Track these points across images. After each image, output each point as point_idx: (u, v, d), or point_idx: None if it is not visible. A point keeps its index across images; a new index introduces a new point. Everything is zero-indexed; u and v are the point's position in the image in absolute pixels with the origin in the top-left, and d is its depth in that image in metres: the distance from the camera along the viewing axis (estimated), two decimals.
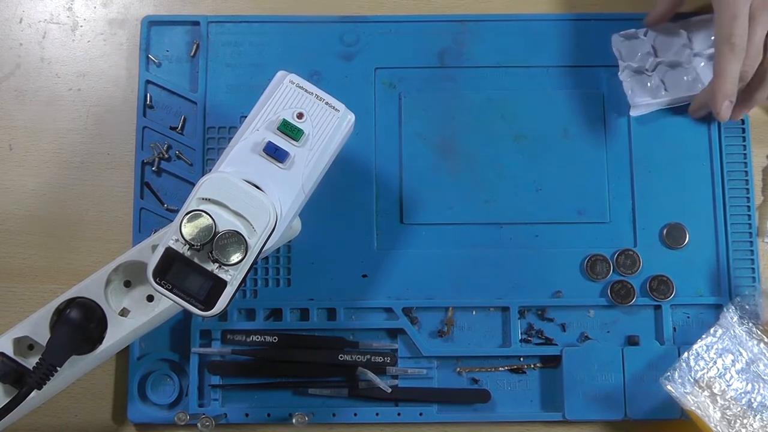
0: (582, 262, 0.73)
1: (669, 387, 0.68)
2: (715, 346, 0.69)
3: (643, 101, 0.73)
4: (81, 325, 0.62)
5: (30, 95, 0.76)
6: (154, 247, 0.57)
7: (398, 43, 0.76)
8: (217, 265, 0.52)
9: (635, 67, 0.74)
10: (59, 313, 0.63)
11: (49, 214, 0.75)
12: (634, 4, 0.77)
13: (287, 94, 0.57)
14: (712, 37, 0.74)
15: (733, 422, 0.67)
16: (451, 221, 0.74)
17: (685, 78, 0.74)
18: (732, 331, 0.70)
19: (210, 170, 0.57)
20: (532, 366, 0.72)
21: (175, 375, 0.72)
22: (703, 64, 0.74)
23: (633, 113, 0.74)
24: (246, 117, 0.58)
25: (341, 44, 0.76)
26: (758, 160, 0.76)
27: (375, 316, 0.73)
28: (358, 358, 0.71)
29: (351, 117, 0.59)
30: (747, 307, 0.71)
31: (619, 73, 0.74)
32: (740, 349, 0.69)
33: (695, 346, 0.69)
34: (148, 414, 0.71)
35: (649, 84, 0.74)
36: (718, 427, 0.67)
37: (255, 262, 0.54)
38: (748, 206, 0.74)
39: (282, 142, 0.56)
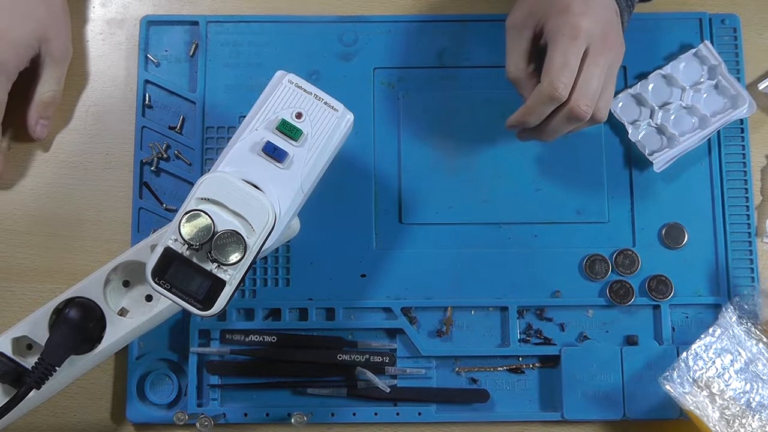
0: (581, 261, 0.73)
1: (668, 387, 0.68)
2: (714, 346, 0.69)
3: (662, 156, 0.73)
4: (80, 324, 0.62)
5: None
6: (153, 247, 0.57)
7: (397, 43, 0.76)
8: (215, 264, 0.52)
9: (640, 124, 0.74)
10: (58, 313, 0.63)
11: (48, 213, 0.75)
12: None
13: (286, 94, 0.57)
14: (698, 68, 0.76)
15: (731, 422, 0.67)
16: (450, 221, 0.74)
17: (692, 120, 0.75)
18: (731, 331, 0.70)
19: (209, 170, 0.57)
20: (531, 366, 0.72)
21: (173, 375, 0.72)
22: (705, 95, 0.75)
23: (657, 169, 0.73)
24: (245, 117, 0.58)
25: (340, 44, 0.76)
26: (757, 160, 0.76)
27: (374, 315, 0.73)
28: (357, 357, 0.71)
29: (350, 116, 0.59)
30: (746, 306, 0.71)
31: (629, 135, 0.74)
32: (739, 349, 0.69)
33: (694, 346, 0.69)
34: (146, 414, 0.71)
35: (662, 138, 0.75)
36: (717, 427, 0.67)
37: (254, 261, 0.54)
38: (747, 206, 0.74)
39: (281, 141, 0.56)
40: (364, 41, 0.76)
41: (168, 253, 0.53)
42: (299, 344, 0.72)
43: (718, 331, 0.70)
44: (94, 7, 0.78)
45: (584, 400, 0.71)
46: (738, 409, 0.68)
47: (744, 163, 0.75)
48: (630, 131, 0.74)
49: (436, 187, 0.74)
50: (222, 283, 0.53)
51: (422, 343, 0.72)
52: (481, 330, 0.73)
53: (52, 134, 0.76)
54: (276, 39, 0.76)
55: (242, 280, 0.54)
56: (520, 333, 0.72)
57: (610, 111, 0.74)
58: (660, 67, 0.75)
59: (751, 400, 0.68)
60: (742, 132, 0.75)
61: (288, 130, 0.56)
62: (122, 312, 0.64)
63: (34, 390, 0.60)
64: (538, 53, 0.66)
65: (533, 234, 0.74)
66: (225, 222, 0.52)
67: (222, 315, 0.72)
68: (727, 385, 0.68)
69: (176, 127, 0.75)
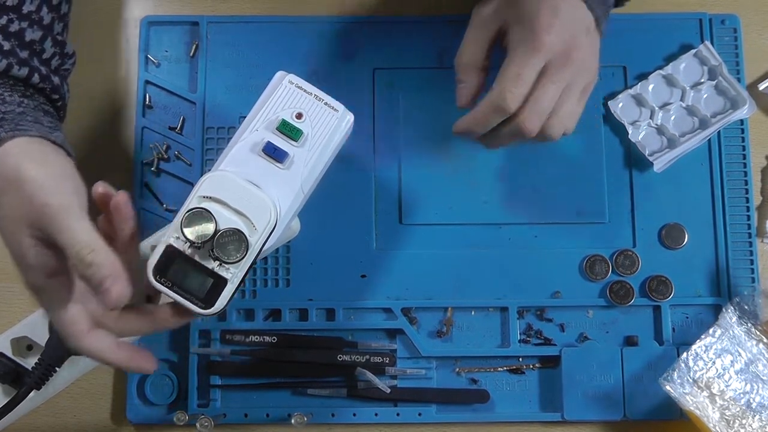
0: (581, 262, 0.73)
1: (668, 387, 0.68)
2: (714, 347, 0.69)
3: (663, 157, 0.73)
4: None
5: None
6: (153, 248, 0.57)
7: (397, 43, 0.76)
8: (217, 263, 0.52)
9: (640, 124, 0.74)
10: None
11: None
12: (633, 6, 0.77)
13: (286, 94, 0.57)
14: (698, 68, 0.76)
15: (732, 422, 0.67)
16: (450, 221, 0.74)
17: (692, 120, 0.75)
18: (731, 332, 0.70)
19: (209, 170, 0.57)
20: (531, 366, 0.72)
21: (174, 375, 0.72)
22: (706, 96, 0.75)
23: (657, 170, 0.73)
24: (245, 117, 0.58)
25: (340, 45, 0.76)
26: (757, 161, 0.76)
27: (374, 316, 0.73)
28: (357, 358, 0.71)
29: (350, 117, 0.59)
30: (746, 307, 0.71)
31: (629, 136, 0.74)
32: (739, 350, 0.69)
33: (694, 347, 0.69)
34: (147, 414, 0.71)
35: (662, 138, 0.75)
36: (717, 428, 0.67)
37: (255, 261, 0.54)
38: (747, 207, 0.74)
39: (281, 142, 0.56)
40: (364, 41, 0.76)
41: (170, 251, 0.53)
42: (299, 345, 0.72)
43: (719, 332, 0.70)
44: (94, 8, 0.78)
45: (584, 400, 0.71)
46: (738, 409, 0.68)
47: (744, 163, 0.75)
48: (630, 132, 0.74)
49: (436, 188, 0.74)
50: (224, 282, 0.53)
51: (422, 344, 0.72)
52: (482, 330, 0.73)
53: None
54: (276, 39, 0.76)
55: (243, 279, 0.54)
56: (520, 333, 0.72)
57: (609, 111, 0.74)
58: (660, 68, 0.75)
59: (752, 400, 0.68)
60: (742, 132, 0.75)
61: (288, 131, 0.56)
62: None
63: (34, 390, 0.60)
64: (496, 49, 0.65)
65: (533, 234, 0.74)
66: (227, 220, 0.52)
67: (222, 315, 0.72)
68: (727, 386, 0.68)
69: (176, 128, 0.75)
